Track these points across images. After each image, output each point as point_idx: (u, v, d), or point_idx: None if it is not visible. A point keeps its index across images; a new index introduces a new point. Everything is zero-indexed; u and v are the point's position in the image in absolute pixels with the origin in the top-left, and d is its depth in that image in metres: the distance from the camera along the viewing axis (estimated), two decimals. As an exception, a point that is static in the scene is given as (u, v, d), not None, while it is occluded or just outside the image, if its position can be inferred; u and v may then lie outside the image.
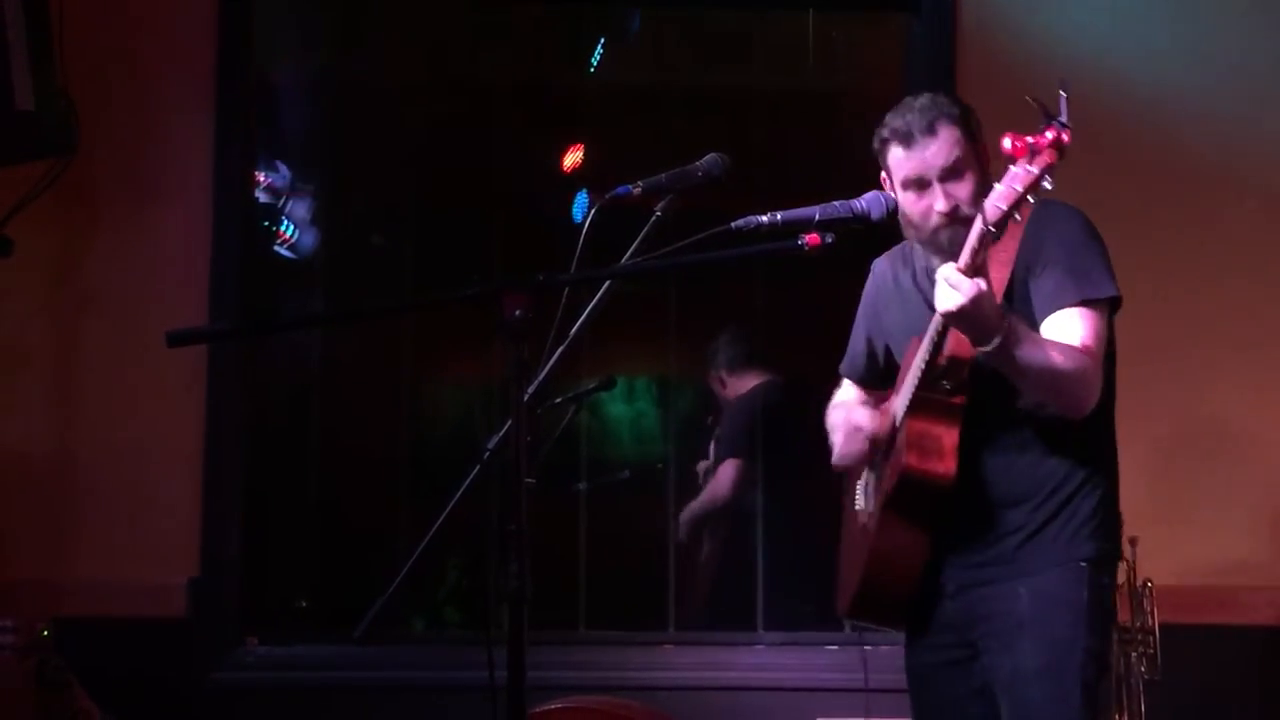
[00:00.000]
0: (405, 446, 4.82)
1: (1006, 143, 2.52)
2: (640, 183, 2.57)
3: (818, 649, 4.52)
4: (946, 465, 2.81)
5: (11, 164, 4.09)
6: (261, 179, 5.00)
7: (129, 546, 4.32)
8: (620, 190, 2.55)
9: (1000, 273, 2.81)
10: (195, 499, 4.39)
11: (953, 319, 2.66)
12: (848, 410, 3.12)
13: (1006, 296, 2.82)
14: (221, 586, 4.40)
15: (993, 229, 2.53)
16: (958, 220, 2.82)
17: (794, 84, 5.21)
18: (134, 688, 3.96)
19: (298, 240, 5.48)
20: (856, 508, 3.19)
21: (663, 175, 2.59)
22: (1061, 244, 2.89)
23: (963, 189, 2.86)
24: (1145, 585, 3.95)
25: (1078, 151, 4.45)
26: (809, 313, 5.25)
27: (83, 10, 4.23)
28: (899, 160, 2.91)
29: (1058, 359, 2.74)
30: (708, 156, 2.66)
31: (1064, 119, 2.49)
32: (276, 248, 5.42)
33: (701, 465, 5.55)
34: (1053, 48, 4.56)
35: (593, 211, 2.48)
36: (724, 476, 5.40)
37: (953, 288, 2.60)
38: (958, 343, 2.76)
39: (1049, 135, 2.48)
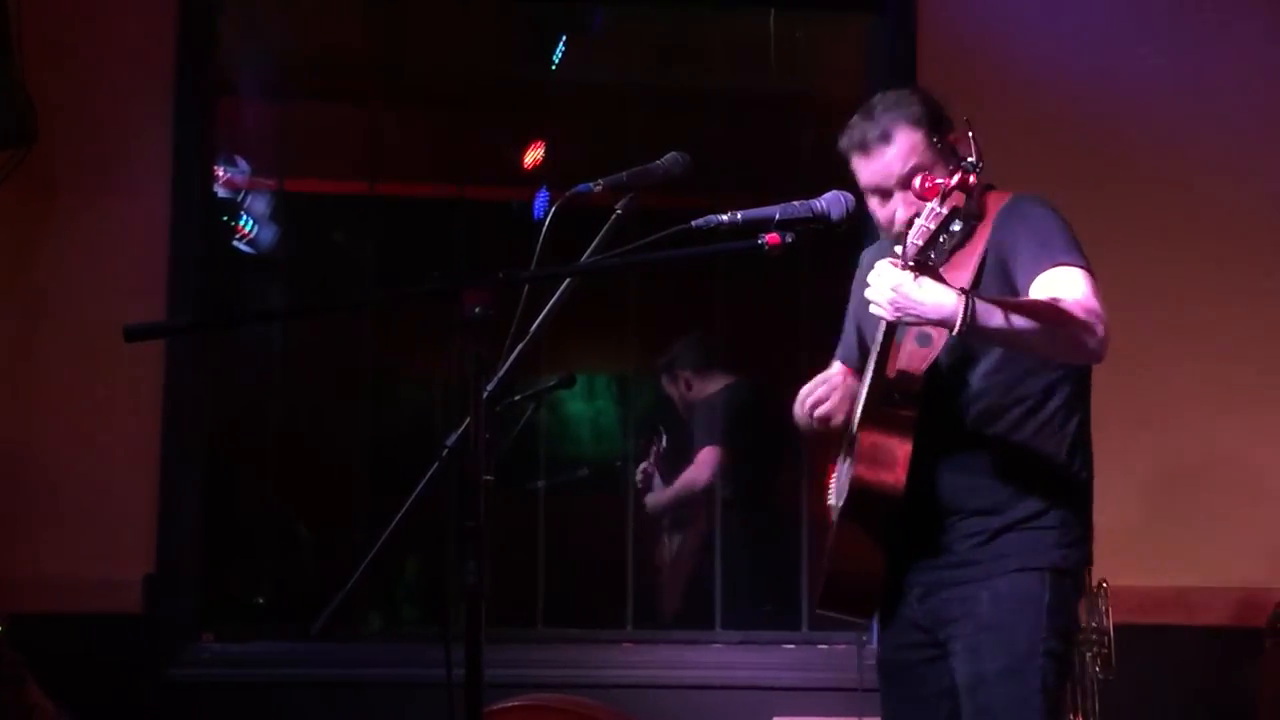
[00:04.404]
0: (364, 442, 4.80)
1: (918, 182, 2.59)
2: (601, 181, 2.57)
3: (775, 648, 4.53)
4: (896, 476, 2.85)
5: (-32, 156, 4.06)
6: (220, 173, 4.97)
7: (85, 542, 4.29)
8: (581, 188, 2.54)
9: (964, 272, 2.82)
10: (152, 494, 4.37)
11: (895, 307, 2.66)
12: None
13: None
14: (178, 582, 4.38)
15: (911, 264, 2.59)
16: None
17: (756, 84, 5.22)
18: (90, 684, 3.93)
19: (257, 235, 5.47)
20: (830, 503, 3.21)
21: (624, 173, 2.59)
22: (1028, 227, 2.91)
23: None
24: (1101, 586, 3.98)
25: (1036, 150, 4.49)
26: (768, 312, 5.27)
27: (41, 2, 4.20)
28: (858, 170, 2.97)
29: (1043, 303, 2.72)
30: (669, 155, 2.66)
31: (973, 159, 2.58)
32: (236, 243, 5.40)
33: (643, 466, 5.57)
34: (1014, 47, 4.59)
35: (553, 209, 2.48)
36: (703, 462, 5.43)
37: (881, 282, 2.64)
38: (908, 357, 2.84)
39: (955, 178, 2.56)
